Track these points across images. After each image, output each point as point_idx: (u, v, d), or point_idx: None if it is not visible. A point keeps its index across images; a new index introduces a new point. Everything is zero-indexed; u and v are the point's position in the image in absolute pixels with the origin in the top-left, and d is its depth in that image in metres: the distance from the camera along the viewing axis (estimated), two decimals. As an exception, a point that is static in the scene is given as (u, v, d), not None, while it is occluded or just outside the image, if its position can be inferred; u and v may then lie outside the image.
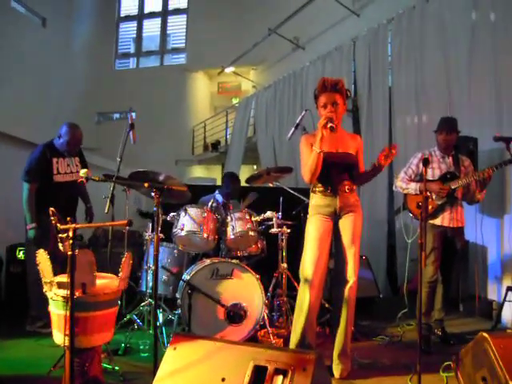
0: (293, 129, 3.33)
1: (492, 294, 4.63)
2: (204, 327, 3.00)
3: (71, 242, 1.76)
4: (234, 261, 3.18)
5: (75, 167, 3.61)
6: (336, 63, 7.15)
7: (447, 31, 5.27)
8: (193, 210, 3.30)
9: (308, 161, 2.60)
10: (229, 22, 13.08)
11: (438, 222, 3.42)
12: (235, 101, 13.71)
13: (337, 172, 2.68)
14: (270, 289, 3.71)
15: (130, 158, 12.30)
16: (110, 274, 2.25)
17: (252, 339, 3.20)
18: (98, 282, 2.11)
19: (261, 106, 9.63)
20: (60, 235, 1.82)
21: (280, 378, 1.73)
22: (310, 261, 2.58)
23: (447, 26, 5.28)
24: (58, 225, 1.88)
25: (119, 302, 3.51)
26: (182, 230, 3.25)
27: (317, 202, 2.70)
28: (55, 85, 12.71)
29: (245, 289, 3.11)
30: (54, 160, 3.49)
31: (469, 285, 4.74)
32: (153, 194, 2.29)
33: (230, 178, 4.29)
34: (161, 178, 3.25)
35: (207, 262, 3.14)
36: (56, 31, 13.24)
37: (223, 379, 1.79)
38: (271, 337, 3.14)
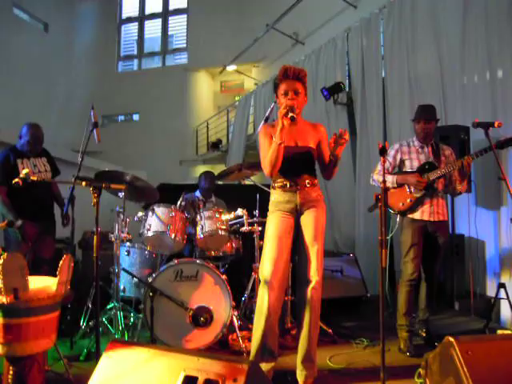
0: (262, 122, 3.16)
1: (491, 290, 4.42)
2: (168, 331, 2.89)
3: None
4: (198, 261, 3.05)
5: (43, 167, 3.54)
6: (330, 56, 6.97)
7: (439, 17, 5.08)
8: (160, 210, 3.18)
9: (268, 153, 2.46)
10: (229, 21, 13.00)
11: (417, 216, 3.23)
12: (238, 99, 13.62)
13: (296, 166, 2.53)
14: (248, 289, 3.59)
15: (133, 160, 12.35)
16: (50, 278, 2.13)
17: (222, 343, 3.07)
18: (35, 286, 2.00)
19: (259, 102, 9.49)
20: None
21: (210, 388, 1.60)
22: (269, 261, 2.43)
23: (439, 12, 5.08)
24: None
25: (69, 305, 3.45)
26: (148, 230, 3.14)
27: (276, 198, 2.56)
28: (59, 89, 12.80)
29: (211, 291, 2.98)
30: (19, 161, 3.42)
31: (465, 282, 4.53)
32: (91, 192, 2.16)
33: (206, 174, 4.37)
34: (127, 177, 3.18)
35: (171, 262, 3.02)
36: (58, 36, 13.34)
37: (152, 390, 1.66)
38: (240, 341, 3.00)
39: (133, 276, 3.14)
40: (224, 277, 3.04)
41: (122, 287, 3.33)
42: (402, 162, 3.32)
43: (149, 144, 13.16)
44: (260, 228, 3.36)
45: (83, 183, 2.15)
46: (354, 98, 6.35)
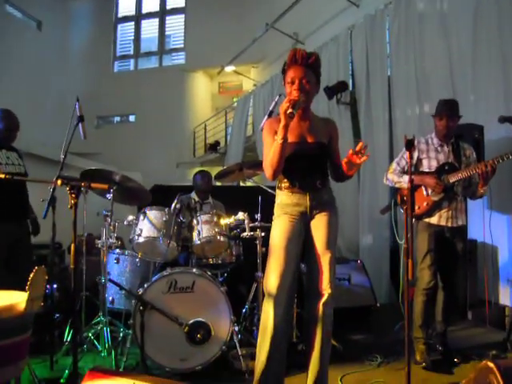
0: (265, 117, 2.82)
1: (504, 298, 4.17)
2: (161, 349, 2.58)
3: None
4: (195, 270, 2.75)
5: (16, 160, 3.20)
6: (332, 54, 6.71)
7: (449, 12, 4.83)
8: (152, 213, 2.89)
9: (270, 152, 2.17)
10: (228, 20, 12.75)
11: (434, 220, 2.96)
12: (236, 100, 13.35)
13: (306, 165, 2.23)
14: (249, 300, 3.30)
15: (128, 162, 12.07)
16: (19, 293, 1.81)
17: (221, 361, 2.77)
18: None
19: (258, 103, 9.24)
20: None
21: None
22: (274, 272, 2.13)
23: (448, 7, 4.84)
24: None
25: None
26: (139, 235, 2.85)
27: (283, 200, 2.25)
28: (52, 89, 12.48)
29: (208, 303, 2.67)
30: None
31: (478, 289, 4.30)
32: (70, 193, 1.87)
33: (201, 174, 4.07)
34: (117, 177, 2.91)
35: (165, 272, 2.72)
36: (52, 34, 13.03)
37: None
38: (242, 359, 2.69)
39: (121, 288, 2.85)
40: (224, 288, 2.74)
41: (110, 298, 3.03)
42: (419, 160, 3.05)
43: (145, 146, 12.87)
44: (263, 233, 3.06)
45: (58, 182, 1.85)
46: (358, 98, 6.12)
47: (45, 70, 12.33)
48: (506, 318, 3.90)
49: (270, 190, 3.26)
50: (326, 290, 2.17)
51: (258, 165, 3.12)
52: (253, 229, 3.07)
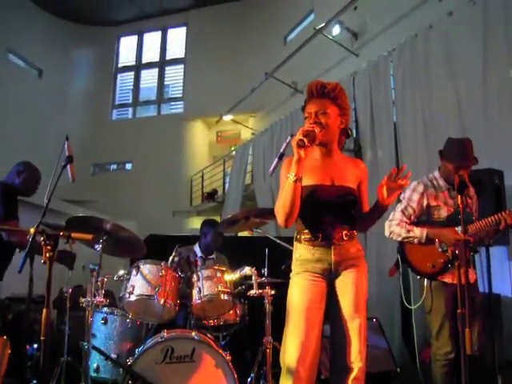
0: (276, 160, 2.55)
1: (537, 359, 3.77)
2: (153, 433, 2.16)
3: None
4: (194, 336, 2.36)
5: None
6: (335, 101, 6.59)
7: (456, 57, 4.76)
8: (147, 268, 2.54)
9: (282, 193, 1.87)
10: (226, 70, 12.88)
11: (447, 279, 2.60)
12: (234, 149, 13.26)
13: (330, 213, 1.92)
14: (255, 367, 2.88)
15: (123, 211, 11.73)
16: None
17: None
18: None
19: (258, 151, 9.08)
20: None
21: None
22: (294, 342, 1.77)
23: (455, 51, 4.77)
24: None
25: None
26: (131, 293, 2.48)
27: (303, 255, 1.92)
28: (50, 136, 12.39)
29: (210, 375, 2.27)
30: None
31: (506, 349, 3.88)
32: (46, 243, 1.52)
33: (211, 225, 3.59)
34: (107, 226, 2.58)
35: (159, 337, 2.33)
36: (52, 82, 13.15)
37: None
38: None
39: (106, 357, 2.44)
40: (228, 356, 2.35)
41: (95, 366, 2.61)
42: (429, 208, 2.71)
43: (141, 194, 12.64)
44: (272, 291, 2.68)
45: (31, 230, 1.52)
46: (363, 144, 5.96)
47: (43, 116, 12.38)
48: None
49: (278, 241, 2.92)
50: (355, 363, 1.80)
51: (266, 213, 2.79)
52: (260, 285, 2.70)
